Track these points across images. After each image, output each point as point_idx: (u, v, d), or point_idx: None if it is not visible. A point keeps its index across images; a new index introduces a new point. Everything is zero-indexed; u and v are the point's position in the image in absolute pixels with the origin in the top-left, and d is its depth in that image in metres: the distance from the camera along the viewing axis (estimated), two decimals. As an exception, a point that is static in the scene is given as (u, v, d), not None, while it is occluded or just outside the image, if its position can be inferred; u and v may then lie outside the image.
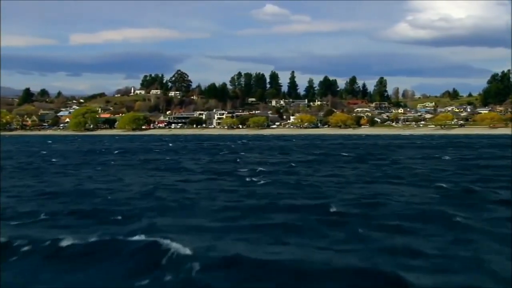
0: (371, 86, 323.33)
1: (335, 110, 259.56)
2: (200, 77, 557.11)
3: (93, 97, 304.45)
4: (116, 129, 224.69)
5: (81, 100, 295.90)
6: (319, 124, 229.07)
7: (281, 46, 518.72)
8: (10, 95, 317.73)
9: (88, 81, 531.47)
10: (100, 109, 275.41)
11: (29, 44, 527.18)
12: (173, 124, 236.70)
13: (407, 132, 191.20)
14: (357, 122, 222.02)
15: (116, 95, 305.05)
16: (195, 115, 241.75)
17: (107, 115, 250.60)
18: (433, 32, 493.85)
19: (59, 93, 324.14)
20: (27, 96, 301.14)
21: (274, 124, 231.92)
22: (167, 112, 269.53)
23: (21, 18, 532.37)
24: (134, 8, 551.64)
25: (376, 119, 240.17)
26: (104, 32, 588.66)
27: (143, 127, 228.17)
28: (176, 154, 67.36)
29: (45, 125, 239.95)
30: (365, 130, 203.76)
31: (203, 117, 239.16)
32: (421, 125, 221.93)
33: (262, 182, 30.93)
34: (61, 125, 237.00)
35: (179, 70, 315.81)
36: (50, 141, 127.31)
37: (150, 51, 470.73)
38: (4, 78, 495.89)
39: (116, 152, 74.75)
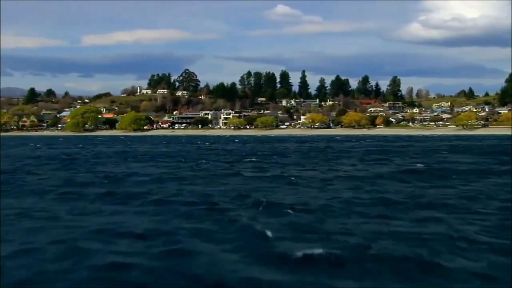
0: (383, 86, 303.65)
1: (348, 110, 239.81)
2: (211, 78, 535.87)
3: (98, 97, 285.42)
4: (116, 130, 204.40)
5: (86, 100, 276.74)
6: (331, 124, 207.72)
7: (293, 46, 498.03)
8: (20, 96, 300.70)
9: (100, 82, 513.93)
10: (104, 109, 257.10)
11: (42, 45, 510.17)
12: (176, 125, 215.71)
13: (426, 132, 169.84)
14: (372, 122, 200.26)
15: (122, 95, 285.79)
16: (200, 115, 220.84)
17: (110, 115, 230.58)
18: (445, 32, 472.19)
19: (66, 93, 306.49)
20: (32, 96, 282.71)
21: (283, 124, 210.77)
22: (174, 112, 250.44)
23: (33, 19, 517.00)
24: (146, 9, 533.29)
25: (390, 119, 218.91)
26: (116, 33, 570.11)
27: (145, 127, 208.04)
28: (153, 164, 46.60)
29: (43, 126, 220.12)
30: (381, 131, 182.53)
31: (209, 117, 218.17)
32: (441, 125, 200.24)
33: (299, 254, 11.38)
34: (59, 125, 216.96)
35: (187, 69, 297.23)
36: (32, 144, 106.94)
37: (162, 52, 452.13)
38: (16, 79, 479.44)
39: (88, 160, 54.36)
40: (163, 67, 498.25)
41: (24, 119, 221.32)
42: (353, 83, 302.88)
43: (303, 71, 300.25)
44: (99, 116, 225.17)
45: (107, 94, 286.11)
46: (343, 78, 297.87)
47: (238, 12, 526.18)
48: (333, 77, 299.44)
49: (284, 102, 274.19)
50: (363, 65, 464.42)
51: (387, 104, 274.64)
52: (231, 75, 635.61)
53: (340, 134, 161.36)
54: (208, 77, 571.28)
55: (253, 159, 47.97)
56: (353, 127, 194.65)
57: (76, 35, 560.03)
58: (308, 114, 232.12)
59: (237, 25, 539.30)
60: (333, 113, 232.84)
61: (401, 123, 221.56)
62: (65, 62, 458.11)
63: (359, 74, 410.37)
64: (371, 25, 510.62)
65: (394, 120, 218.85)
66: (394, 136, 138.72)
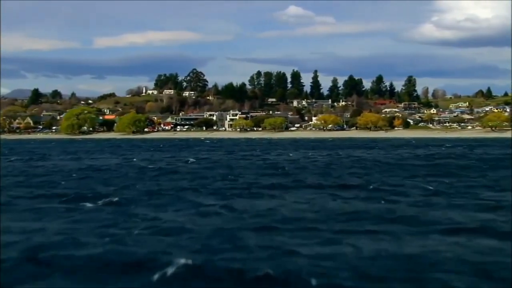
0: (397, 86, 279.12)
1: (362, 111, 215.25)
2: (223, 80, 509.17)
3: (103, 97, 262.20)
4: (114, 132, 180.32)
5: (90, 101, 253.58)
6: (345, 126, 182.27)
7: (305, 47, 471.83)
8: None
9: (112, 84, 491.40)
10: (108, 110, 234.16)
11: (54, 47, 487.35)
12: (178, 127, 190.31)
13: (455, 135, 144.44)
14: (390, 124, 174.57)
15: (127, 96, 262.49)
16: (205, 116, 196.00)
17: (112, 117, 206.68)
18: (458, 32, 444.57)
19: (73, 94, 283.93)
20: (36, 97, 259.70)
21: (293, 126, 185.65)
22: (180, 114, 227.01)
23: (45, 21, 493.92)
24: (157, 11, 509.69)
25: (408, 120, 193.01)
26: (128, 35, 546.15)
27: (146, 129, 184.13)
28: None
29: (38, 128, 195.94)
30: (400, 133, 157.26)
31: (214, 118, 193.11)
32: (465, 127, 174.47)
33: None
34: (54, 128, 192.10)
35: (195, 69, 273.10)
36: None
37: (174, 54, 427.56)
38: (30, 81, 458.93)
39: None
40: (175, 68, 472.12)
41: (15, 121, 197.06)
42: (367, 84, 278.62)
43: (315, 71, 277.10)
44: (100, 118, 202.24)
45: (112, 95, 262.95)
46: (356, 78, 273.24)
47: (250, 13, 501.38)
48: (345, 78, 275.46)
49: (295, 103, 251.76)
50: (376, 66, 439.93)
51: (402, 105, 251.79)
52: (243, 77, 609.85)
53: (358, 137, 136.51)
54: (220, 79, 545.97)
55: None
56: (369, 128, 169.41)
57: (88, 37, 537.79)
58: (320, 115, 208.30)
59: (249, 27, 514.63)
60: (347, 114, 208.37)
61: (420, 124, 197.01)
62: (77, 64, 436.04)
63: (372, 75, 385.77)
64: (384, 26, 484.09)
65: (411, 121, 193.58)
66: (426, 139, 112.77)
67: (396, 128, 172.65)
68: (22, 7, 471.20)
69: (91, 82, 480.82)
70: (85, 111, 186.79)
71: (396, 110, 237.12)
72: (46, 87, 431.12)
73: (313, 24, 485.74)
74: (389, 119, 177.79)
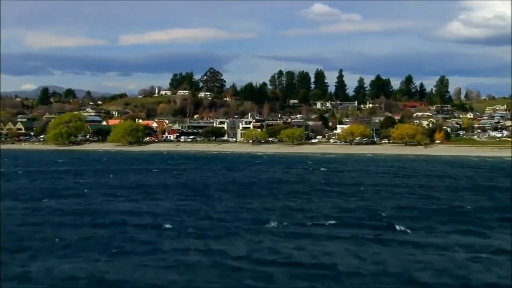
0: (427, 87, 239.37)
1: (391, 115, 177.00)
2: (247, 79, 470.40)
3: (113, 98, 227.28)
4: (108, 143, 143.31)
5: (99, 102, 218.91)
6: (375, 138, 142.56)
7: (330, 46, 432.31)
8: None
9: (137, 81, 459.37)
10: (116, 113, 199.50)
11: (81, 45, 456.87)
12: (182, 137, 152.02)
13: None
14: (430, 136, 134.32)
15: (139, 96, 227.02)
16: (214, 125, 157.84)
17: (116, 121, 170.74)
18: (487, 30, 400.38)
19: (88, 93, 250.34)
20: (45, 97, 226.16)
21: (315, 137, 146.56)
22: (195, 116, 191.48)
23: (72, 19, 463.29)
24: (182, 9, 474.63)
25: (445, 127, 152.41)
26: (153, 32, 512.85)
27: (147, 138, 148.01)
28: None
29: (30, 135, 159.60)
30: (445, 150, 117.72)
31: (225, 126, 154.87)
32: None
33: None
34: (41, 136, 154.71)
35: (211, 68, 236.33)
36: None
37: (198, 52, 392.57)
38: (56, 78, 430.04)
39: None
40: (200, 67, 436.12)
41: (10, 126, 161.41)
42: (395, 84, 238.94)
43: (340, 70, 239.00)
44: (104, 123, 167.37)
45: (123, 95, 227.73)
46: (384, 78, 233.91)
47: (275, 11, 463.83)
48: (372, 77, 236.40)
49: (318, 105, 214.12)
50: (403, 65, 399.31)
51: (434, 107, 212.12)
52: (267, 76, 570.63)
53: (400, 155, 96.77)
54: (244, 78, 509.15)
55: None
56: (405, 143, 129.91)
57: (114, 34, 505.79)
58: (345, 119, 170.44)
59: (274, 25, 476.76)
60: (375, 118, 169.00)
61: (460, 132, 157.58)
62: (103, 61, 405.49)
63: (398, 74, 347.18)
64: (411, 24, 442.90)
65: (449, 129, 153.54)
66: None
67: (436, 142, 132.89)
68: (49, 6, 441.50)
69: (117, 79, 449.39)
70: (77, 118, 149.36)
71: (429, 114, 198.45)
72: (72, 84, 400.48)
73: (338, 22, 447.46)
74: (429, 132, 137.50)
